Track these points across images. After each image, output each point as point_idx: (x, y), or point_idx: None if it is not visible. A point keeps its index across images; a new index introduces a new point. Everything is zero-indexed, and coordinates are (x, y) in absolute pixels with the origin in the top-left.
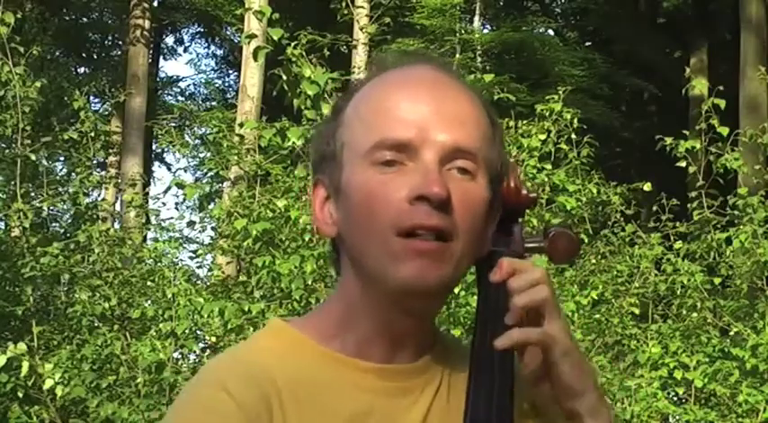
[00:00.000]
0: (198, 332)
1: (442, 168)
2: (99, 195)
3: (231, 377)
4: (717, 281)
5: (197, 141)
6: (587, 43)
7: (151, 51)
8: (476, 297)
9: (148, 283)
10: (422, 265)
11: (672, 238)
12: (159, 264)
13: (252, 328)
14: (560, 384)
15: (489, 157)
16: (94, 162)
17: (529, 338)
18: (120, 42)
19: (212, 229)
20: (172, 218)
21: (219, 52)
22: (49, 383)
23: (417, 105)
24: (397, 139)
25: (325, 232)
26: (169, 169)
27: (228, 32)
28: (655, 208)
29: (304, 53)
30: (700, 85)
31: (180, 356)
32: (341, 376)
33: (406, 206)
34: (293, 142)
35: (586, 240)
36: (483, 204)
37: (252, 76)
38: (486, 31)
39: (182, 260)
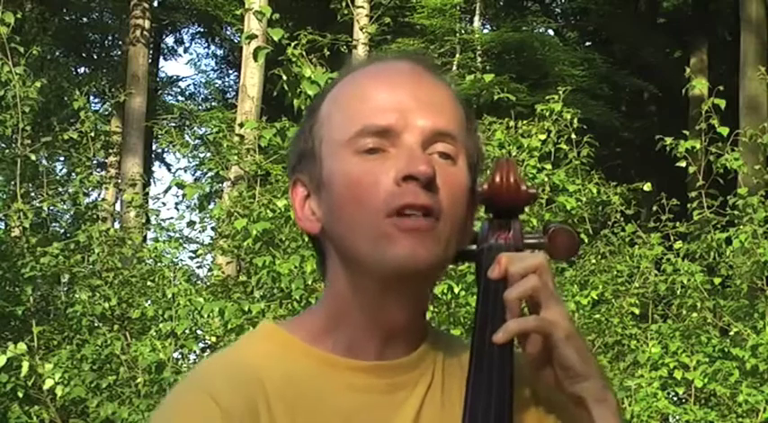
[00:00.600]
0: (198, 332)
1: (424, 152)
2: (99, 195)
3: (217, 381)
4: (717, 281)
5: (197, 141)
6: (587, 43)
7: (151, 51)
8: (476, 297)
9: (148, 283)
10: (413, 242)
11: (672, 238)
12: (159, 264)
13: (252, 328)
14: (564, 369)
15: (468, 144)
16: (94, 162)
17: (526, 327)
18: (120, 42)
19: (212, 229)
20: (172, 218)
21: (219, 52)
22: (49, 383)
23: (396, 92)
24: (379, 125)
25: (308, 229)
26: (169, 169)
27: (228, 32)
28: (655, 208)
29: (304, 53)
30: (700, 85)
31: (180, 356)
32: (332, 377)
33: (393, 188)
34: None
35: (586, 240)
36: (465, 189)
37: (252, 76)
38: (486, 31)
39: (182, 260)
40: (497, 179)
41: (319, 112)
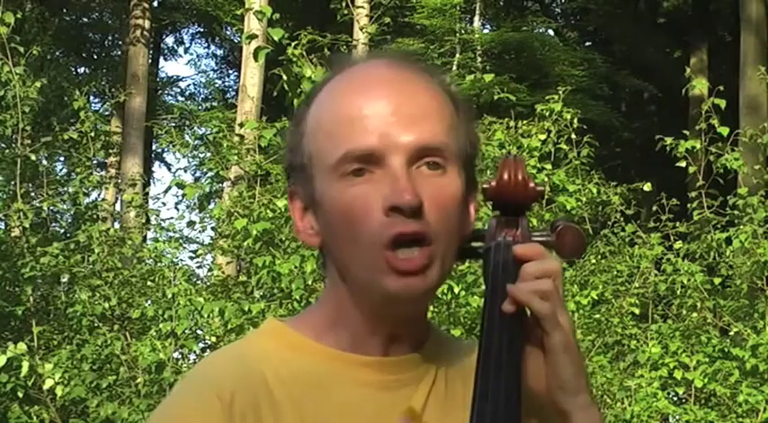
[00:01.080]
0: (198, 332)
1: (410, 169)
2: (99, 195)
3: (218, 375)
4: (717, 281)
5: (197, 141)
6: (587, 43)
7: (151, 51)
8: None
9: (148, 283)
10: (409, 279)
11: (672, 238)
12: (159, 264)
13: (252, 328)
14: (557, 379)
15: (458, 145)
16: (94, 162)
17: (540, 308)
18: (120, 42)
19: (212, 229)
20: (172, 218)
21: (219, 52)
22: (49, 383)
23: (376, 109)
24: (361, 149)
25: (309, 243)
26: (169, 169)
27: (228, 32)
28: (655, 208)
29: (304, 53)
30: (700, 85)
31: (180, 356)
32: (337, 372)
33: (383, 218)
34: None
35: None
36: (457, 196)
37: (252, 76)
38: (486, 31)
39: (182, 260)
40: (505, 177)
41: (306, 123)
